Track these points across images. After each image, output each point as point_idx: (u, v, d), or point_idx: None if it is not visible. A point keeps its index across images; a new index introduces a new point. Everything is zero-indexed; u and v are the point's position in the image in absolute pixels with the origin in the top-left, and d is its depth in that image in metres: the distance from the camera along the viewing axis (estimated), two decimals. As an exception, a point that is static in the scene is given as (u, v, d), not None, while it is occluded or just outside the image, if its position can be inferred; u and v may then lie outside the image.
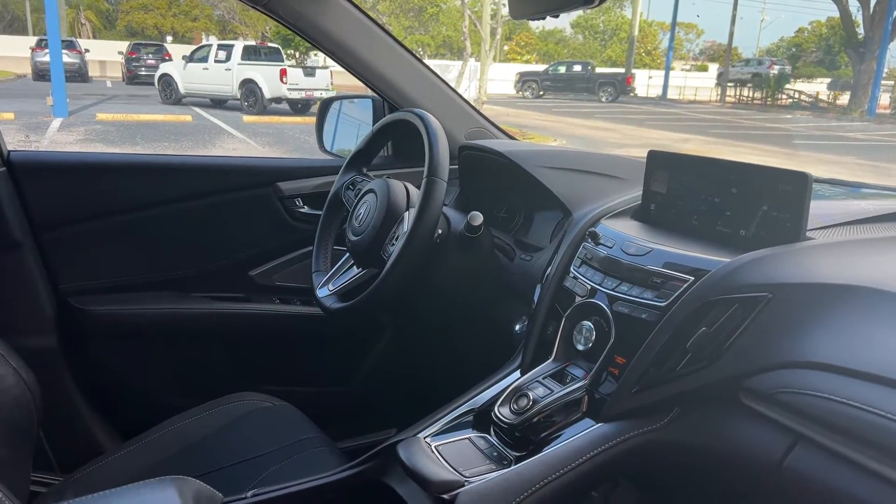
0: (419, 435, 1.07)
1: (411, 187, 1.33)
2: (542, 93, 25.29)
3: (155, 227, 1.62)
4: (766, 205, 0.97)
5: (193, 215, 1.64)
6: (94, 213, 1.58)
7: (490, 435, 1.06)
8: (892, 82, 26.30)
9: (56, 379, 1.53)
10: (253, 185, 1.68)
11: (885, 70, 23.26)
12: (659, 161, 1.14)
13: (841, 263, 0.91)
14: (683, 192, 1.10)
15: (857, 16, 21.31)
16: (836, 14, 22.49)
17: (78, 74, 20.88)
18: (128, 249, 1.62)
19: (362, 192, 1.37)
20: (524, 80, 26.13)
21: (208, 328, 1.65)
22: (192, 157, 1.73)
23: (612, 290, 1.03)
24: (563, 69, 26.32)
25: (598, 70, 27.08)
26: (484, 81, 15.15)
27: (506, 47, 42.94)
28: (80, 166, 1.61)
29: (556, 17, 0.91)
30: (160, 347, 1.64)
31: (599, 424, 0.98)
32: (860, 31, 21.31)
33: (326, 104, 1.95)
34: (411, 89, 1.62)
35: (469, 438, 1.06)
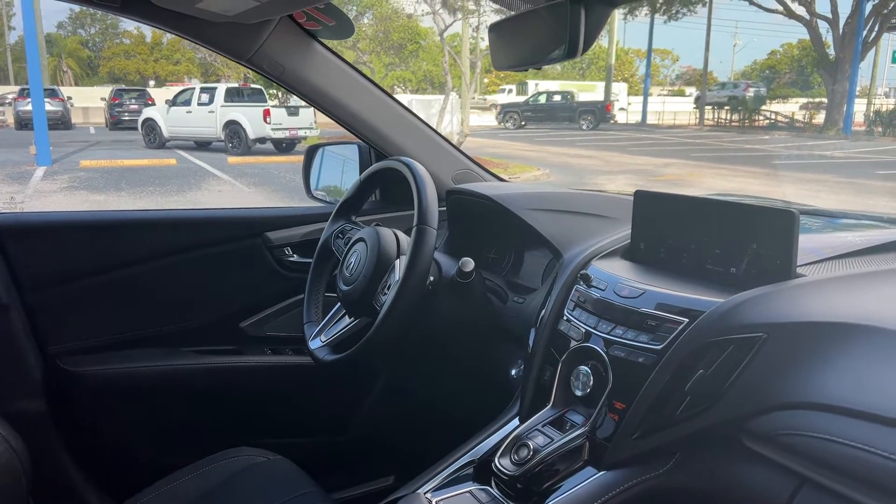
0: (419, 490, 1.05)
1: (401, 234, 1.33)
2: (523, 123, 25.57)
3: (142, 284, 1.61)
4: (754, 243, 0.98)
5: (181, 270, 1.63)
6: (81, 271, 1.56)
7: (491, 487, 1.05)
8: (866, 100, 26.85)
9: (45, 443, 1.49)
10: (241, 237, 1.67)
11: (858, 88, 23.76)
12: (646, 200, 1.15)
13: (834, 301, 0.91)
14: (672, 231, 1.10)
15: (827, 37, 21.84)
16: (807, 36, 23.04)
17: (61, 122, 20.86)
18: (116, 307, 1.60)
19: (352, 241, 1.36)
20: (505, 111, 26.45)
21: (200, 383, 1.63)
22: (178, 212, 1.72)
23: (608, 333, 1.03)
24: (543, 99, 26.68)
25: (578, 99, 27.48)
26: (466, 114, 15.33)
27: (486, 80, 43.51)
28: (65, 225, 1.60)
29: (539, 68, 0.92)
30: (151, 405, 1.61)
31: (602, 473, 0.97)
32: (831, 51, 21.81)
33: (312, 151, 1.95)
34: (396, 135, 1.63)
35: (470, 492, 1.04)
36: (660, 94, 42.34)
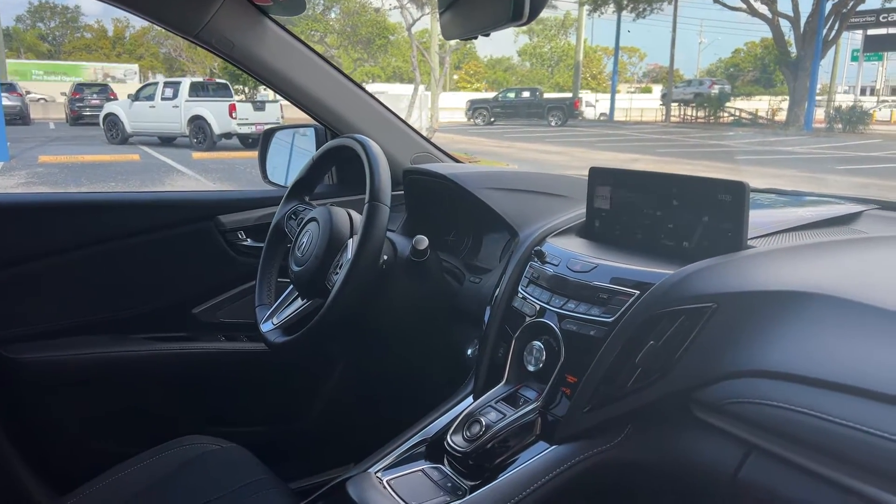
0: (370, 470, 1.03)
1: (355, 214, 1.30)
2: (492, 119, 25.63)
3: (89, 269, 1.56)
4: (706, 216, 0.98)
5: (130, 254, 1.58)
6: (24, 256, 1.50)
7: (444, 465, 1.03)
8: (826, 98, 27.48)
9: None
10: (192, 220, 1.62)
11: (819, 86, 24.32)
12: (600, 177, 1.14)
13: (782, 270, 0.91)
14: (626, 207, 1.10)
15: (789, 35, 22.30)
16: (770, 35, 23.50)
17: (19, 117, 20.30)
18: (60, 293, 1.54)
19: (304, 221, 1.33)
20: (474, 107, 26.48)
21: (150, 371, 1.58)
22: (126, 194, 1.67)
23: (560, 308, 1.02)
24: (512, 96, 26.77)
25: (547, 95, 27.64)
26: (435, 110, 15.30)
27: (455, 76, 43.56)
28: (7, 208, 1.54)
29: (487, 35, 0.91)
30: (98, 394, 1.56)
31: (553, 447, 0.96)
32: (792, 50, 22.27)
33: (269, 134, 1.91)
34: (353, 115, 1.60)
35: (422, 470, 1.03)
36: (627, 92, 42.82)
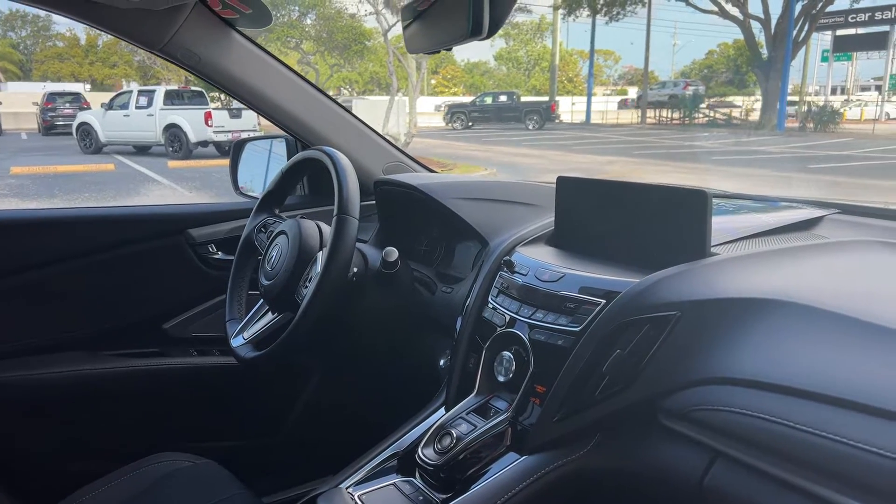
0: (341, 486, 1.02)
1: (324, 226, 1.30)
2: (470, 123, 25.69)
3: (56, 286, 1.53)
4: (670, 223, 0.99)
5: (98, 270, 1.56)
6: None
7: (415, 478, 1.03)
8: (798, 98, 27.90)
9: None
10: (162, 234, 1.61)
11: (790, 87, 24.68)
12: (568, 186, 1.15)
13: (746, 277, 0.92)
14: (593, 216, 1.11)
15: (760, 37, 22.59)
16: (741, 36, 23.80)
17: (-10, 128, 20.00)
18: (28, 311, 1.52)
19: (274, 234, 1.33)
20: (452, 111, 26.53)
21: (120, 388, 1.56)
22: (93, 210, 1.65)
23: (529, 318, 1.02)
24: (489, 100, 26.86)
25: (524, 99, 27.76)
26: (413, 115, 15.29)
27: (433, 81, 43.62)
28: None
29: (449, 49, 0.91)
30: (69, 412, 1.54)
31: (524, 457, 0.96)
32: (764, 51, 22.58)
33: (240, 145, 1.90)
34: (322, 126, 1.60)
35: (394, 484, 1.02)
36: (604, 94, 43.15)
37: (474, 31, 0.79)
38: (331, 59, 27.80)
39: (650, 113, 28.97)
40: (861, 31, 24.15)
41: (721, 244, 1.01)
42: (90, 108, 18.06)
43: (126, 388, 1.57)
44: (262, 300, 1.35)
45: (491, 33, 0.82)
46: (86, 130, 15.93)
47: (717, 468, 0.83)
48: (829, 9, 22.60)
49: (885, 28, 22.98)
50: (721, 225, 1.06)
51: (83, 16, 1.28)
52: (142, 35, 1.37)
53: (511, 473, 0.94)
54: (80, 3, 1.25)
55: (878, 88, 30.17)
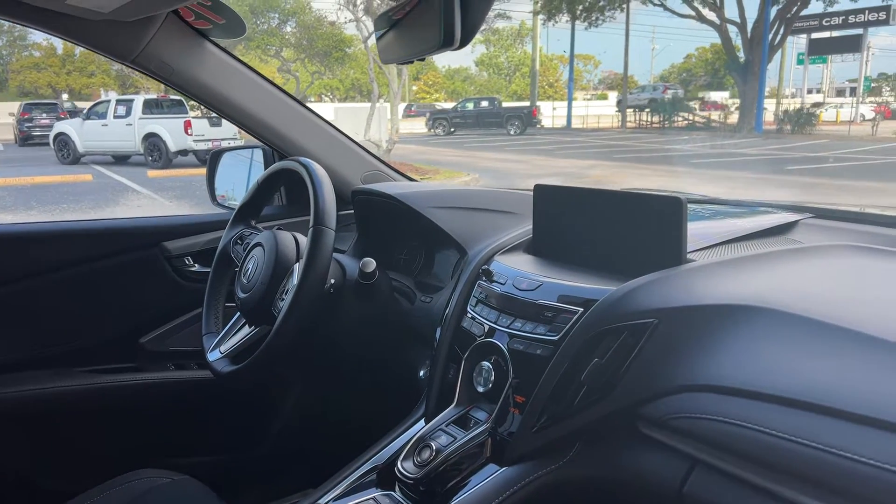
0: (321, 500, 1.01)
1: (301, 237, 1.28)
2: (452, 129, 25.73)
3: (29, 302, 1.51)
4: (647, 230, 0.99)
5: (72, 285, 1.53)
6: None
7: (395, 492, 1.02)
8: (775, 100, 28.28)
9: None
10: (137, 247, 1.58)
11: (767, 89, 24.99)
12: (545, 194, 1.15)
13: (723, 283, 0.92)
14: (570, 224, 1.10)
15: (737, 40, 22.88)
16: (719, 40, 24.08)
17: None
18: (0, 328, 1.49)
19: (250, 246, 1.31)
20: (434, 117, 26.57)
21: (96, 404, 1.53)
22: (66, 223, 1.62)
23: (508, 327, 1.02)
24: (471, 105, 26.94)
25: (505, 104, 27.87)
26: (395, 121, 15.29)
27: (414, 87, 43.67)
28: None
29: (422, 60, 0.91)
30: (43, 432, 1.51)
31: (504, 469, 0.95)
32: (741, 54, 22.87)
33: (217, 156, 1.88)
34: (299, 136, 1.59)
35: (373, 498, 1.01)
36: (584, 99, 43.43)
37: (446, 42, 0.78)
38: (312, 67, 27.73)
39: (630, 116, 29.20)
40: (835, 34, 24.57)
41: (697, 250, 1.01)
42: (68, 118, 17.86)
43: (102, 404, 1.54)
44: (238, 313, 1.33)
45: (463, 44, 0.82)
46: (63, 141, 15.75)
47: (696, 476, 0.83)
48: (804, 12, 22.98)
49: (859, 31, 23.41)
50: (697, 231, 1.06)
51: (53, 28, 1.26)
52: (113, 47, 1.35)
53: (491, 485, 0.94)
54: (49, 15, 1.23)
55: (853, 91, 30.65)
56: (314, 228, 1.15)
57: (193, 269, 1.63)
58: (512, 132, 24.42)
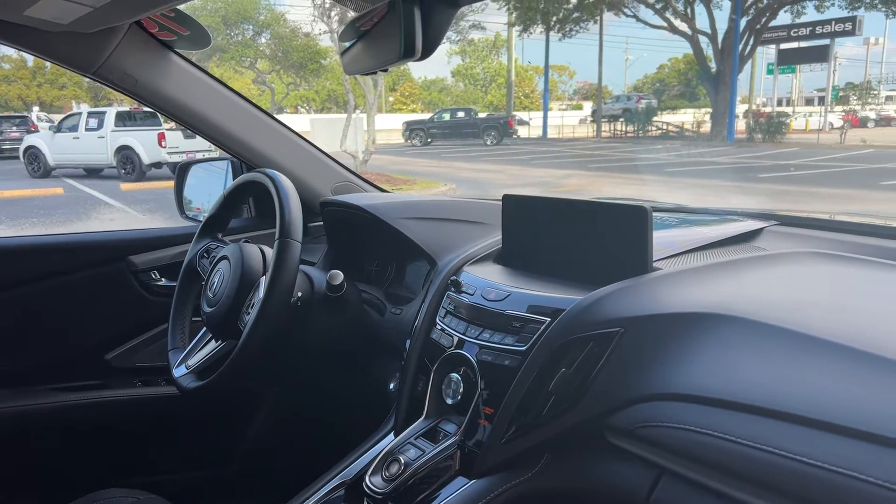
0: None
1: (267, 250, 1.27)
2: (429, 140, 25.79)
3: None
4: (613, 240, 0.99)
5: (36, 300, 1.50)
6: None
7: None
8: (745, 109, 28.74)
9: None
10: (102, 262, 1.56)
11: (738, 98, 25.42)
12: (513, 204, 1.15)
13: (689, 292, 0.93)
14: (539, 233, 1.10)
15: (708, 51, 23.28)
16: (691, 51, 24.46)
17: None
18: None
19: (216, 260, 1.29)
20: (411, 128, 26.60)
21: (60, 423, 1.49)
22: (29, 238, 1.59)
23: (477, 338, 1.01)
24: (447, 116, 27.01)
25: (481, 115, 28.00)
26: (371, 132, 15.28)
27: (391, 98, 43.71)
28: None
29: (385, 71, 0.90)
30: (6, 451, 1.47)
31: (473, 482, 0.94)
32: (712, 65, 23.25)
33: (185, 168, 1.86)
34: (267, 148, 1.57)
35: None
36: (559, 109, 43.80)
37: (406, 53, 0.78)
38: (287, 78, 27.65)
39: (605, 126, 29.49)
40: (803, 44, 25.07)
41: (663, 259, 1.02)
42: (38, 131, 17.57)
43: (67, 423, 1.50)
44: (205, 328, 1.31)
45: (425, 55, 0.81)
46: (33, 154, 15.49)
47: (663, 485, 0.83)
48: (773, 23, 23.46)
49: (826, 41, 23.89)
50: (663, 239, 1.06)
51: (12, 40, 1.24)
52: (74, 58, 1.32)
53: (460, 499, 0.93)
54: (8, 27, 1.21)
55: (822, 100, 31.28)
56: (280, 241, 1.14)
57: (160, 283, 1.60)
58: (488, 142, 24.52)
